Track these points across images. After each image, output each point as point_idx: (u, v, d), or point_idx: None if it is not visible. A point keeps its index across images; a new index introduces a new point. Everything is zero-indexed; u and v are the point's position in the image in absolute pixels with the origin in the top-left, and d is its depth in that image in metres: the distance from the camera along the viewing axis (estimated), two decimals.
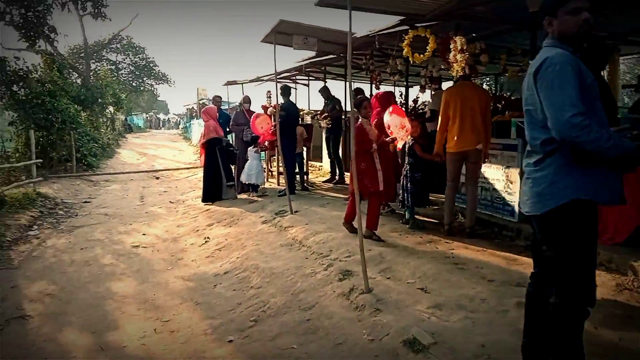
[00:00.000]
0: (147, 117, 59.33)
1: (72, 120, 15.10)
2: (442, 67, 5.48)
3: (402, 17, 5.39)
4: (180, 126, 48.10)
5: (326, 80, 12.67)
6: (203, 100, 34.10)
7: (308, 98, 13.47)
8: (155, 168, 16.97)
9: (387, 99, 6.70)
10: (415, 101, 9.57)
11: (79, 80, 24.08)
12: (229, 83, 12.64)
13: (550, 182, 2.36)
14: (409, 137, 6.07)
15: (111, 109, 27.59)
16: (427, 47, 5.11)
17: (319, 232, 6.02)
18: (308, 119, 10.71)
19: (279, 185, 10.23)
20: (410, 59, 5.46)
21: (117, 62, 39.54)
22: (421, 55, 5.28)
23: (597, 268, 4.47)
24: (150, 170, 16.06)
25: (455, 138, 5.57)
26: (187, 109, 42.33)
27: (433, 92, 7.51)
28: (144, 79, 41.12)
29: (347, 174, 10.32)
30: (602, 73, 6.52)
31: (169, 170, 16.15)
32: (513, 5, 5.46)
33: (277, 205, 8.16)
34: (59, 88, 15.54)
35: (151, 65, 40.84)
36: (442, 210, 6.87)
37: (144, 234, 7.61)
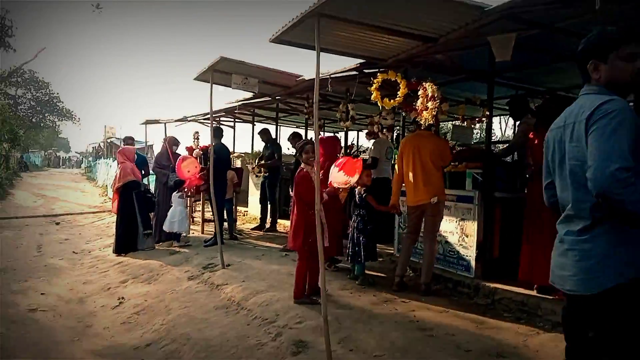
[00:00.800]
0: (45, 155, 54.92)
1: None
2: (405, 114, 5.15)
3: (361, 61, 5.04)
4: (84, 165, 45.00)
5: (255, 123, 12.14)
6: (111, 139, 32.07)
7: (233, 140, 12.75)
8: (55, 212, 15.18)
9: (331, 145, 6.24)
10: (351, 147, 9.27)
11: None
12: (148, 122, 11.65)
13: (604, 255, 1.92)
14: (361, 187, 5.64)
15: (5, 145, 24.95)
16: (398, 93, 4.75)
17: (260, 292, 5.27)
18: (238, 163, 10.00)
19: (203, 233, 9.31)
20: (379, 104, 5.06)
21: (17, 96, 36.40)
22: (391, 101, 4.90)
23: None
24: (49, 214, 14.28)
25: (411, 192, 5.29)
26: (92, 148, 39.69)
27: (374, 139, 7.20)
28: (46, 114, 38.13)
29: (280, 222, 9.69)
30: None
31: (71, 214, 14.49)
32: (473, 55, 5.33)
33: (204, 257, 7.29)
34: None
35: (55, 100, 38.07)
36: (388, 263, 6.49)
37: (42, 294, 6.35)
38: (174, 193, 8.37)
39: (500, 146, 11.12)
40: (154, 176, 9.83)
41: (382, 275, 6.03)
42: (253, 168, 9.46)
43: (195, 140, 9.42)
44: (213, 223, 9.82)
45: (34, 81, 36.54)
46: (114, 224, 8.68)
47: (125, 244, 8.21)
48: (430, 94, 4.51)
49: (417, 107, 4.69)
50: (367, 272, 5.77)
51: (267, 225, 9.63)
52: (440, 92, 4.69)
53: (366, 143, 8.67)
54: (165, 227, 8.22)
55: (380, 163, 7.32)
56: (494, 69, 4.99)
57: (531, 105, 6.11)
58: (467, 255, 5.34)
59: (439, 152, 5.15)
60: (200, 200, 9.31)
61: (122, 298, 6.01)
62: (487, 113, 5.11)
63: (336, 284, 5.51)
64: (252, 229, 9.66)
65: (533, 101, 6.46)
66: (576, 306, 2.08)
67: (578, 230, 2.01)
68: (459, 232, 5.44)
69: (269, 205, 9.64)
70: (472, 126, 7.01)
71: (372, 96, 4.91)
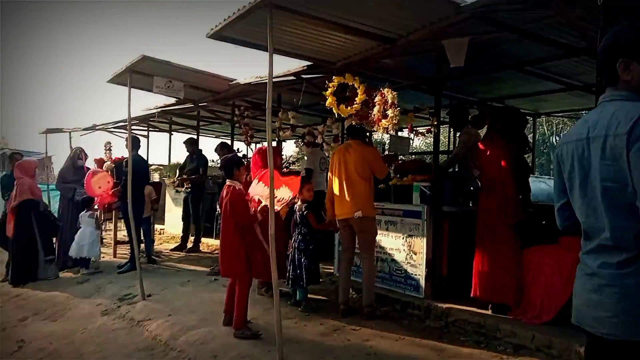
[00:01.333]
0: None
1: None
2: (354, 122, 4.75)
3: (308, 63, 4.60)
4: None
5: (172, 132, 11.27)
6: (4, 151, 28.99)
7: (147, 151, 11.75)
8: None
9: (263, 156, 5.71)
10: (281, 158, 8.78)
11: None
12: (50, 131, 10.36)
13: None
14: (301, 203, 5.18)
15: None
16: (356, 99, 4.32)
17: (192, 327, 4.61)
18: (156, 176, 9.14)
19: (115, 257, 8.33)
20: (334, 110, 4.60)
21: None
22: (348, 108, 4.46)
23: (536, 354, 4.01)
24: None
25: (337, 204, 4.96)
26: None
27: (309, 150, 6.77)
28: None
29: (203, 240, 8.95)
30: None
31: None
32: (417, 62, 5.08)
33: (119, 286, 6.42)
34: None
35: None
36: (329, 284, 6.06)
37: None
38: (82, 212, 7.38)
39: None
40: (57, 193, 8.73)
41: (324, 298, 5.58)
42: (174, 182, 8.65)
43: (107, 152, 8.44)
44: (127, 245, 8.91)
45: None
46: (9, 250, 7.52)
47: (23, 273, 7.11)
48: (390, 101, 4.15)
49: (372, 116, 4.31)
50: (308, 295, 5.30)
51: (189, 245, 8.85)
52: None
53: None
54: (72, 252, 7.21)
55: (315, 175, 6.91)
56: (442, 75, 4.78)
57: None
58: (415, 274, 5.04)
59: (367, 162, 4.81)
60: (111, 220, 8.33)
61: (22, 341, 5.05)
62: (435, 123, 4.86)
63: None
64: (172, 250, 8.81)
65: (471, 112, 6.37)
66: (614, 354, 1.74)
67: (618, 263, 1.67)
68: (407, 250, 5.13)
69: (191, 224, 8.90)
70: (412, 137, 6.79)
71: (327, 102, 4.46)
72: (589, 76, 5.70)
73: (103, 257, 8.14)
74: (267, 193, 4.56)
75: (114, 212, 8.14)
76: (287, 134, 6.12)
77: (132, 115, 9.70)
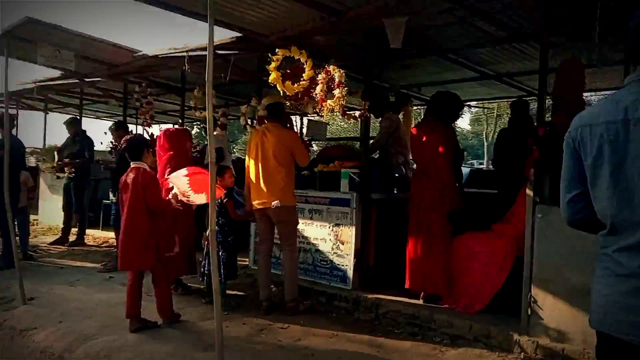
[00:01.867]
0: None
1: None
2: (289, 104, 4.31)
3: (237, 35, 4.06)
4: None
5: (48, 110, 9.88)
6: None
7: (16, 132, 10.18)
8: None
9: (180, 139, 5.07)
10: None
11: None
12: None
13: None
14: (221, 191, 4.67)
15: None
16: (304, 75, 3.84)
17: (91, 336, 3.88)
18: (32, 161, 7.90)
19: None
20: (279, 87, 4.05)
21: None
22: (295, 85, 3.96)
23: (474, 345, 3.96)
24: None
25: (254, 192, 4.55)
26: None
27: (221, 132, 6.19)
28: None
29: (88, 232, 7.95)
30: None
31: None
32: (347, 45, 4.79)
33: None
34: None
35: None
36: (243, 277, 5.62)
37: None
38: None
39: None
40: None
41: (241, 293, 5.15)
42: (53, 167, 7.52)
43: None
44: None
45: None
46: None
47: None
48: (337, 80, 3.79)
49: (314, 95, 3.92)
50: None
51: (72, 238, 7.80)
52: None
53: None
54: None
55: (227, 159, 6.38)
56: (373, 59, 4.55)
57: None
58: (342, 265, 4.80)
59: (286, 146, 4.42)
60: None
61: None
62: (366, 107, 4.62)
63: (193, 313, 4.45)
64: (51, 244, 7.69)
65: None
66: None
67: None
68: (333, 239, 4.87)
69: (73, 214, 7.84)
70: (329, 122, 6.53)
71: (271, 77, 3.93)
72: (503, 66, 5.89)
73: None
74: (186, 190, 4.06)
75: None
76: (205, 114, 5.45)
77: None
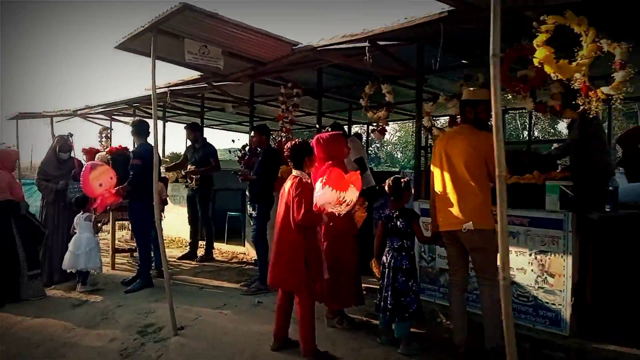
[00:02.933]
0: None
1: None
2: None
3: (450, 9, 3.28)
4: None
5: (167, 119, 9.71)
6: None
7: (133, 142, 10.13)
8: None
9: (336, 145, 4.35)
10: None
11: None
12: (22, 116, 8.62)
13: None
14: (394, 207, 3.91)
15: None
16: (583, 52, 2.91)
17: None
18: (162, 171, 7.63)
19: (114, 269, 6.80)
20: (550, 69, 3.09)
21: None
22: (573, 65, 3.00)
23: None
24: None
25: (440, 212, 3.75)
26: None
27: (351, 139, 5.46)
28: None
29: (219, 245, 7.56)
30: None
31: None
32: None
33: (132, 311, 4.97)
34: None
35: None
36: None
37: None
38: (79, 215, 5.87)
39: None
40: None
41: (418, 331, 4.30)
42: (182, 176, 7.18)
43: (105, 140, 6.90)
44: (127, 254, 7.40)
45: None
46: None
47: (0, 291, 5.53)
48: (618, 58, 2.80)
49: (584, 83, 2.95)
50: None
51: (200, 253, 7.42)
52: None
53: None
54: (66, 264, 5.70)
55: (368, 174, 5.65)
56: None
57: None
58: (552, 303, 3.82)
59: (479, 154, 3.52)
60: (107, 223, 6.78)
61: None
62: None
63: (365, 355, 3.70)
64: (179, 259, 7.34)
65: None
66: None
67: None
68: (537, 270, 3.91)
69: (199, 227, 7.47)
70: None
71: (539, 54, 3.01)
72: None
73: (107, 271, 6.58)
74: (337, 198, 3.36)
75: (111, 213, 6.62)
76: (380, 114, 4.74)
77: (127, 98, 8.22)
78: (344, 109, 8.63)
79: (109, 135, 6.87)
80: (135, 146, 5.85)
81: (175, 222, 8.72)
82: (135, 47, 4.75)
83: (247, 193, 7.34)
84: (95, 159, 6.77)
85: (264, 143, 5.83)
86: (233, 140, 6.60)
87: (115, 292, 5.71)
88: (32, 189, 8.09)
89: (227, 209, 8.45)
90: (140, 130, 5.89)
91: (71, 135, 6.50)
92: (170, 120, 11.04)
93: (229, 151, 7.46)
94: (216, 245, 7.81)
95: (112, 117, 10.94)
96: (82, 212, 5.87)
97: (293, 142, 3.89)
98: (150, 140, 5.98)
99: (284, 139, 6.51)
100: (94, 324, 4.81)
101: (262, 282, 5.50)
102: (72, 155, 6.76)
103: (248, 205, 5.85)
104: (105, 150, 6.85)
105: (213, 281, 6.08)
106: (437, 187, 3.71)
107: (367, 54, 3.94)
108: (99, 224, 6.07)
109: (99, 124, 10.49)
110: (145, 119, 6.05)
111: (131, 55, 5.32)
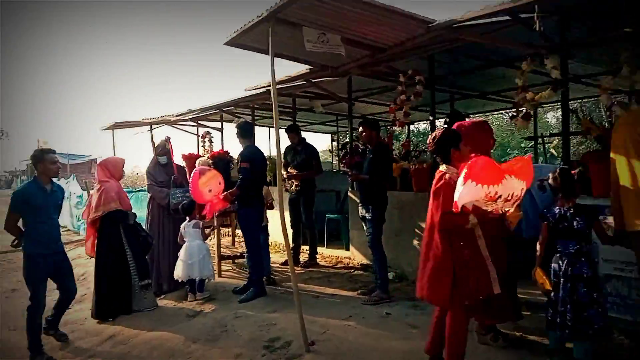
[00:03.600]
0: None
1: None
2: None
3: None
4: (14, 185, 40.24)
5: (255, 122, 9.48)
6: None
7: (222, 145, 10.01)
8: None
9: (482, 134, 3.79)
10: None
11: None
12: (118, 126, 8.68)
13: None
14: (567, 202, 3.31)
15: None
16: None
17: None
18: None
19: (220, 276, 6.60)
20: None
21: None
22: None
23: None
24: None
25: (627, 207, 3.13)
26: (26, 165, 35.20)
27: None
28: None
29: (321, 251, 7.19)
30: None
31: (13, 251, 11.19)
32: None
33: (252, 323, 4.67)
34: None
35: None
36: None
37: None
38: (185, 223, 5.69)
39: None
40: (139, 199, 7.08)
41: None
42: (286, 180, 6.88)
43: (208, 143, 6.72)
44: (232, 261, 7.20)
45: None
46: (91, 274, 5.88)
47: (112, 303, 5.42)
48: None
49: None
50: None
51: (302, 258, 7.09)
52: None
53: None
54: (180, 274, 5.53)
55: None
56: None
57: None
58: None
59: None
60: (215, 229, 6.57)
61: None
62: None
63: None
64: (282, 264, 7.05)
65: None
66: None
67: None
68: None
69: (301, 230, 7.15)
70: None
71: None
72: None
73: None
74: (486, 194, 2.78)
75: (215, 219, 6.41)
76: (544, 94, 4.17)
77: (227, 99, 8.01)
78: (443, 100, 8.01)
79: (211, 139, 6.69)
80: (243, 148, 5.56)
81: (272, 225, 8.48)
82: (246, 41, 4.44)
83: (349, 195, 6.97)
84: (196, 164, 6.58)
85: (374, 139, 5.37)
86: (333, 140, 6.25)
87: (228, 302, 5.46)
88: (134, 198, 8.11)
89: (324, 211, 8.08)
90: (246, 132, 5.61)
91: (169, 139, 6.34)
92: (257, 124, 10.87)
93: (329, 151, 7.07)
94: (318, 249, 7.46)
95: (199, 123, 10.97)
96: (187, 220, 5.68)
97: (437, 131, 3.41)
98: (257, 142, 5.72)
99: (390, 135, 6.04)
100: (214, 337, 4.54)
101: (383, 290, 5.06)
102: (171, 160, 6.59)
103: (360, 208, 5.41)
104: (208, 155, 6.66)
105: (326, 289, 5.69)
106: (624, 179, 3.08)
107: (536, 20, 3.35)
108: (208, 230, 5.85)
109: (187, 131, 10.52)
110: (248, 120, 5.76)
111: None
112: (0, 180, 50.75)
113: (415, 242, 5.76)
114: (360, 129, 5.40)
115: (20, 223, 4.52)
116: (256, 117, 9.93)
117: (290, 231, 7.12)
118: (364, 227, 5.45)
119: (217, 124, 10.42)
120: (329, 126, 11.64)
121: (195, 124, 11.05)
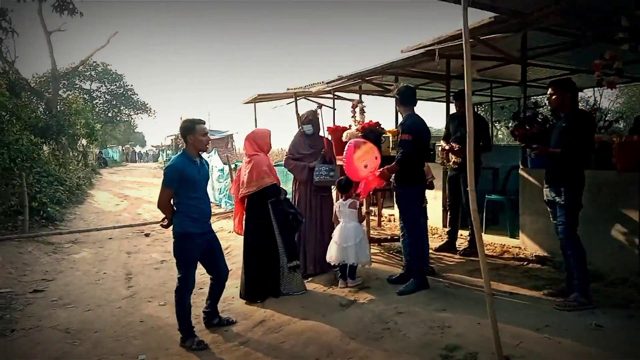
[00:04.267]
0: (123, 150, 54.75)
1: (27, 155, 10.76)
2: None
3: None
4: (161, 159, 44.06)
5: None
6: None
7: (333, 120, 9.37)
8: (143, 218, 12.57)
9: None
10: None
11: (42, 108, 19.59)
12: (260, 98, 8.43)
13: None
14: None
15: (83, 141, 23.08)
16: None
17: None
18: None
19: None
20: None
21: (92, 90, 34.76)
22: None
23: None
24: (136, 224, 11.56)
25: None
26: (171, 140, 38.13)
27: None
28: (121, 108, 36.44)
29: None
30: None
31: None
32: None
33: (417, 321, 3.99)
34: (9, 112, 11.30)
35: (129, 93, 36.33)
36: None
37: None
38: (340, 201, 5.15)
39: None
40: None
41: None
42: (444, 158, 6.03)
43: (360, 114, 6.11)
44: (380, 245, 6.58)
45: (107, 73, 34.71)
46: (239, 249, 5.63)
47: (261, 285, 5.10)
48: None
49: None
50: None
51: (460, 245, 6.23)
52: None
53: None
54: (333, 258, 5.03)
55: None
56: None
57: None
58: None
59: None
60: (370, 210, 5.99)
61: None
62: None
63: None
64: (437, 250, 6.25)
65: None
66: None
67: None
68: None
69: (459, 213, 6.26)
70: None
71: None
72: None
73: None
74: None
75: (365, 199, 5.79)
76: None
77: (370, 67, 7.29)
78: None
79: (364, 108, 6.07)
80: (403, 118, 4.83)
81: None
82: None
83: (521, 173, 5.93)
84: (343, 137, 6.00)
85: (567, 104, 4.30)
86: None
87: (383, 292, 4.84)
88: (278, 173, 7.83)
89: (480, 190, 7.08)
90: (408, 98, 4.85)
91: (321, 106, 5.79)
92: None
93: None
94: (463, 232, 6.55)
95: (335, 95, 10.45)
96: (344, 198, 5.12)
97: None
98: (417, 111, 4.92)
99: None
100: (375, 335, 3.94)
101: (584, 294, 4.06)
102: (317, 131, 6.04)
103: (546, 189, 4.41)
104: (357, 127, 6.05)
105: (500, 285, 4.80)
106: None
107: None
108: (364, 211, 5.26)
109: (318, 102, 10.06)
110: (410, 85, 4.97)
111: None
112: (148, 154, 55.93)
113: (618, 234, 4.63)
114: (550, 90, 4.37)
115: None
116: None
117: (445, 213, 6.30)
118: (551, 213, 4.46)
119: (355, 96, 9.83)
120: (479, 95, 10.45)
121: (331, 96, 10.58)
